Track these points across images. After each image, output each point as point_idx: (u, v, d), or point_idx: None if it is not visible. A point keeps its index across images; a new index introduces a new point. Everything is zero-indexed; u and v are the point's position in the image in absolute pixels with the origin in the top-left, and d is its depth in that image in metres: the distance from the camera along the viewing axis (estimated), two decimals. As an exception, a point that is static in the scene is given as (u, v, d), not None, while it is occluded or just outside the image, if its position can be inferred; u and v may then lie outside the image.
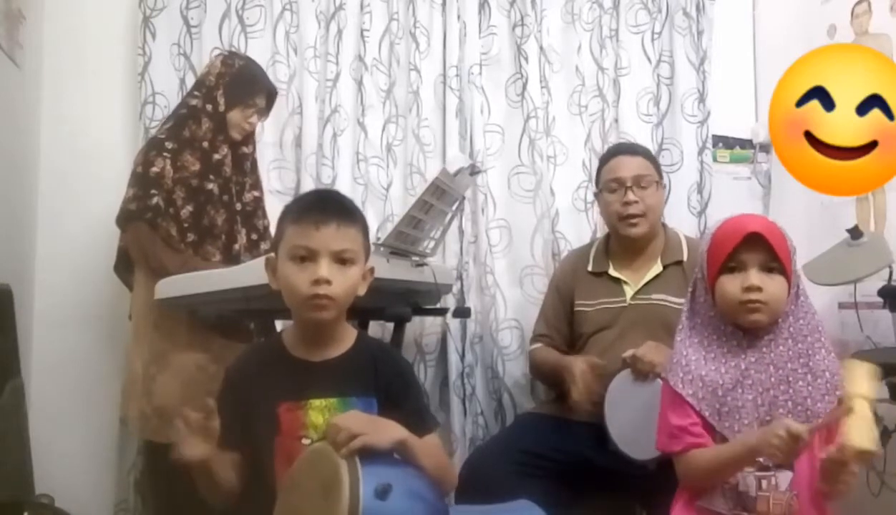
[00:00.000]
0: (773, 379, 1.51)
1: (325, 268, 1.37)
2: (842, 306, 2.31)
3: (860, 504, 1.96)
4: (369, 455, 1.25)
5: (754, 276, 1.50)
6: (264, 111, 2.30)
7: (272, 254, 1.47)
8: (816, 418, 1.45)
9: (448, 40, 2.69)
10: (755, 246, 1.51)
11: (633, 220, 2.13)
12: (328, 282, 1.37)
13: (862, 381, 1.40)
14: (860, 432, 1.33)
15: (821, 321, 1.58)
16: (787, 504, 1.45)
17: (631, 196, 2.13)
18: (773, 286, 1.51)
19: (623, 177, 2.15)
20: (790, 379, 1.50)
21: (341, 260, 1.40)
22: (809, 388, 1.50)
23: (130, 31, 2.63)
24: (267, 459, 1.39)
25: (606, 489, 2.01)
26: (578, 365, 2.02)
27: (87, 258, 2.51)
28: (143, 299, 2.12)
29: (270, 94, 2.31)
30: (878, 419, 1.88)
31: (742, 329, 1.55)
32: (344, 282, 1.40)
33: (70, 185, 2.57)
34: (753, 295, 1.50)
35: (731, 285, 1.53)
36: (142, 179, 2.09)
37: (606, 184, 2.19)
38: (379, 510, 1.18)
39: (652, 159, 2.24)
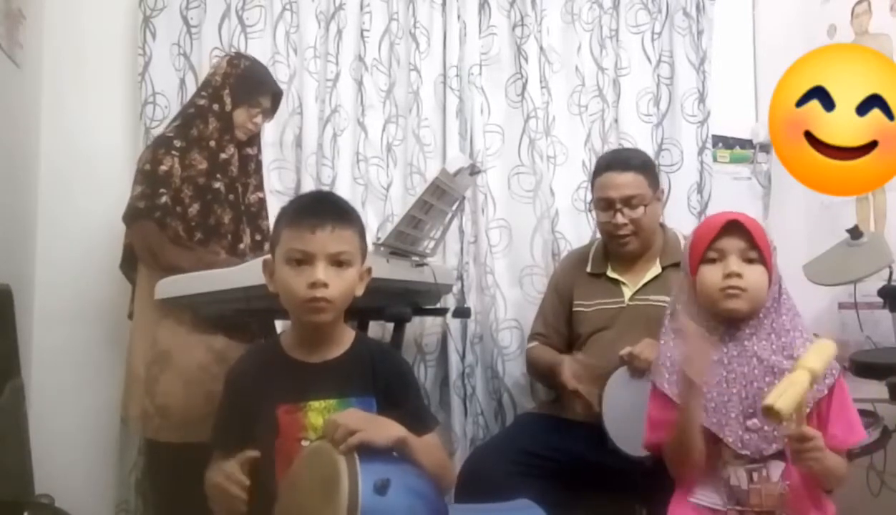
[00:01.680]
0: (756, 372, 1.52)
1: (321, 271, 1.38)
2: (842, 306, 2.32)
3: (860, 504, 1.97)
4: (368, 452, 1.25)
5: (734, 263, 1.52)
6: (269, 112, 2.30)
7: (269, 257, 1.47)
8: (806, 407, 1.43)
9: (448, 40, 2.68)
10: (734, 234, 1.53)
11: (623, 239, 2.13)
12: (325, 285, 1.38)
13: (813, 355, 1.41)
14: (778, 392, 1.34)
15: (802, 322, 1.57)
16: (778, 495, 1.46)
17: (620, 218, 2.10)
18: (752, 274, 1.52)
19: (611, 197, 2.10)
20: (775, 370, 1.50)
21: (338, 262, 1.41)
22: None
23: (130, 31, 2.62)
24: (267, 461, 1.39)
25: (606, 488, 2.01)
26: (567, 366, 2.02)
27: (87, 258, 2.51)
28: (146, 297, 2.12)
29: (276, 95, 2.31)
30: (878, 418, 1.89)
31: (724, 323, 1.55)
32: (341, 285, 1.40)
33: (70, 185, 2.57)
34: (733, 281, 1.51)
35: (711, 274, 1.54)
36: (150, 177, 2.08)
37: (596, 202, 2.17)
38: (378, 505, 1.19)
39: (646, 171, 2.15)
